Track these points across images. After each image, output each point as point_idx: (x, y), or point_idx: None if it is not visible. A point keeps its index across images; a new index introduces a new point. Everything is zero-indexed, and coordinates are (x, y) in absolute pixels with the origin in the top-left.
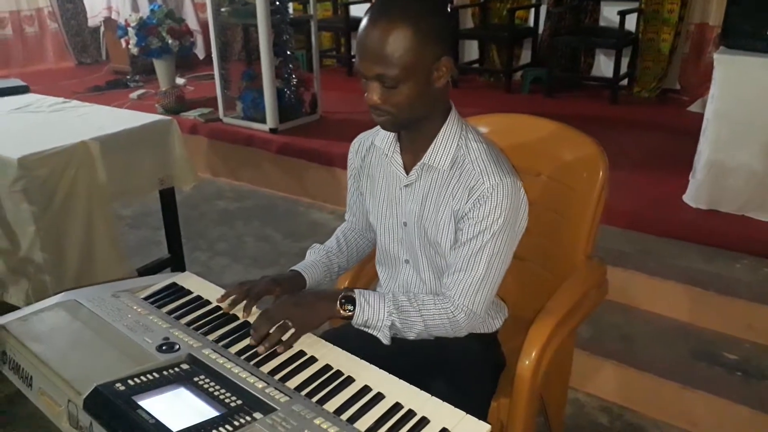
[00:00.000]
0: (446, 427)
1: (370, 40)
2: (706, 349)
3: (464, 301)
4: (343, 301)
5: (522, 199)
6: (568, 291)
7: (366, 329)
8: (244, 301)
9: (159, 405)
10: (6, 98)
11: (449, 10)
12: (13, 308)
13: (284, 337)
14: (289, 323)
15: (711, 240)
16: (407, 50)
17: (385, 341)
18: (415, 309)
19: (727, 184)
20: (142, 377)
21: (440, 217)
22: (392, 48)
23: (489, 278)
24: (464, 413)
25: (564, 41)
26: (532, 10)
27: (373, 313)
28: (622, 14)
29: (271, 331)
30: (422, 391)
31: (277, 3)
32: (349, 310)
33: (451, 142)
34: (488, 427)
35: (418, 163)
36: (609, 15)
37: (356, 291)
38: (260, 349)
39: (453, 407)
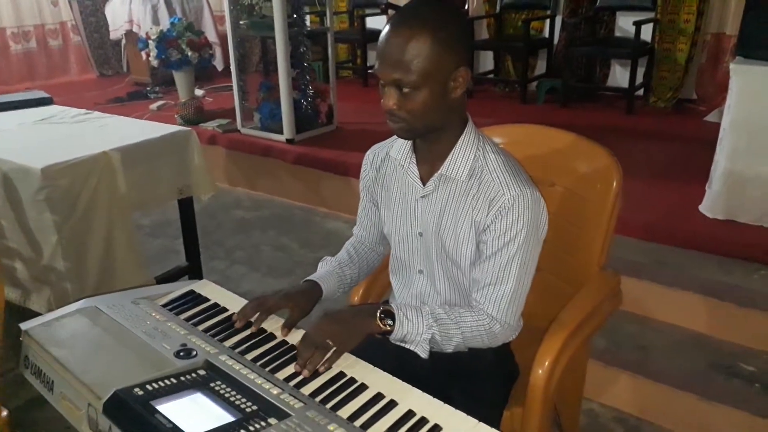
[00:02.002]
0: None
1: (390, 46)
2: (724, 360)
3: (498, 314)
4: (382, 315)
5: (542, 209)
6: (582, 301)
7: (403, 344)
8: (257, 314)
9: (176, 410)
10: (31, 110)
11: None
12: (35, 315)
13: (324, 357)
14: (330, 343)
15: (728, 251)
16: (425, 58)
17: (424, 355)
18: (454, 322)
19: (744, 195)
20: (160, 382)
21: (460, 229)
22: (411, 54)
23: (519, 289)
24: (476, 421)
25: (579, 52)
26: (548, 20)
27: (413, 327)
28: (638, 24)
29: (313, 354)
30: (435, 399)
31: (295, 16)
32: (389, 325)
33: (469, 153)
34: None
35: (436, 174)
36: (624, 25)
37: (393, 305)
38: (305, 372)
39: (465, 415)
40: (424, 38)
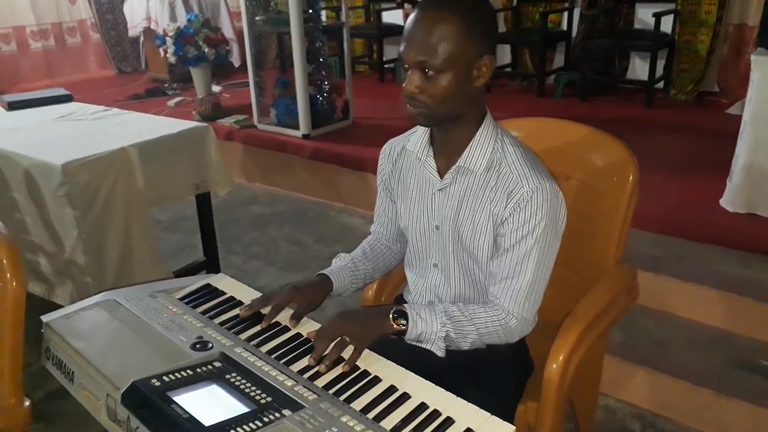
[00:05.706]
0: (471, 427)
1: (417, 28)
2: (743, 356)
3: (515, 308)
4: (395, 315)
5: (561, 202)
6: (597, 295)
7: (419, 344)
8: (268, 309)
9: (192, 400)
10: (51, 107)
11: None
12: (60, 308)
13: (345, 356)
14: (347, 339)
15: (748, 245)
16: (453, 41)
17: (440, 353)
18: (468, 318)
19: (765, 188)
20: (176, 374)
21: (477, 221)
22: (438, 37)
23: (537, 283)
24: (489, 414)
25: (598, 44)
26: (565, 13)
27: (427, 326)
28: (658, 16)
29: (328, 349)
30: (447, 392)
31: (310, 11)
32: (402, 325)
33: (487, 146)
34: (513, 428)
35: (453, 166)
36: (644, 17)
37: (406, 305)
38: (321, 368)
39: (478, 408)
40: (452, 22)
